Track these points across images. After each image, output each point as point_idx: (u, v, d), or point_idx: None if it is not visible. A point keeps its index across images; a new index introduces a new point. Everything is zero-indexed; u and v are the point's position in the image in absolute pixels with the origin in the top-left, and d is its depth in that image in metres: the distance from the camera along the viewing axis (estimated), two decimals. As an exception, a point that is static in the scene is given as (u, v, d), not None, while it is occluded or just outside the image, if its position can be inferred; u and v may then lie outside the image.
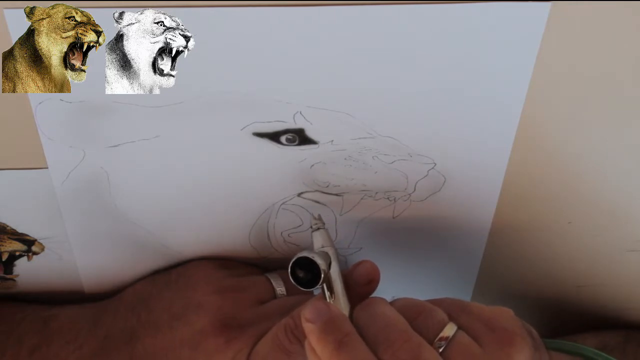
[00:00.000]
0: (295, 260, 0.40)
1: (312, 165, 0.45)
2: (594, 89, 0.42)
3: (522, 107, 0.43)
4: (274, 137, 0.44)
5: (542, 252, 0.52)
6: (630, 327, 0.57)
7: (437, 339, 0.39)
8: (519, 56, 0.40)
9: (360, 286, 0.42)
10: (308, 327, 0.39)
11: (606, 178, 0.47)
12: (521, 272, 0.54)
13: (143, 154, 0.44)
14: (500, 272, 0.54)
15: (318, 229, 0.43)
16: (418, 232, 0.50)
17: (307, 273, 0.40)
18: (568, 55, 0.41)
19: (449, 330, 0.39)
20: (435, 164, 0.46)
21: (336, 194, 0.47)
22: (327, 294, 0.41)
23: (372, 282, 0.42)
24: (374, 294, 0.43)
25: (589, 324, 0.58)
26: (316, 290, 0.42)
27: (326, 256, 0.41)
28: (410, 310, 0.40)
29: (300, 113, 0.42)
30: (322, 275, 0.40)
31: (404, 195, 0.47)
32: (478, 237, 0.51)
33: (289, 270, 0.40)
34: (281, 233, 0.49)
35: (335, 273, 0.42)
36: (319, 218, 0.44)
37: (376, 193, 0.47)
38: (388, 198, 0.47)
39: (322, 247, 0.43)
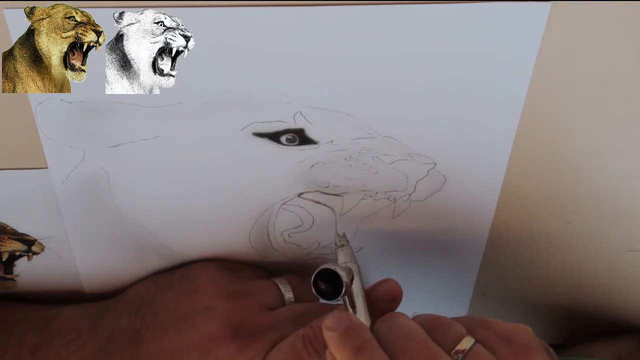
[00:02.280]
0: (318, 272, 0.41)
1: (312, 165, 0.45)
2: (594, 89, 0.42)
3: (522, 107, 0.43)
4: (274, 137, 0.44)
5: (542, 251, 0.52)
6: (634, 327, 0.57)
7: (454, 351, 0.39)
8: (519, 56, 0.40)
9: (382, 303, 0.43)
10: (328, 335, 0.39)
11: (606, 178, 0.47)
12: (521, 271, 0.54)
13: (143, 154, 0.44)
14: (500, 272, 0.54)
15: (342, 246, 0.44)
16: (418, 232, 0.50)
17: (329, 285, 0.41)
18: (568, 55, 0.41)
19: (466, 343, 0.40)
20: (435, 164, 0.46)
21: (336, 194, 0.47)
22: (349, 309, 0.42)
23: (395, 300, 0.43)
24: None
25: (590, 324, 0.58)
26: (337, 303, 0.42)
27: (349, 271, 0.42)
28: (429, 323, 0.41)
29: (300, 113, 0.42)
30: (344, 288, 0.40)
31: (404, 195, 0.47)
32: (478, 237, 0.51)
33: (312, 281, 0.41)
34: (281, 233, 0.49)
35: (357, 288, 0.42)
36: (343, 236, 0.45)
37: (376, 193, 0.47)
38: (388, 198, 0.47)
39: (345, 263, 0.43)
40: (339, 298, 0.41)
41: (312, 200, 0.48)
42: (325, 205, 0.48)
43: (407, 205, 0.48)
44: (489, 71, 0.41)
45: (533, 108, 0.43)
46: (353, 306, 0.42)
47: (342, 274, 0.40)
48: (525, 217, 0.49)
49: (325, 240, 0.50)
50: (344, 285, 0.40)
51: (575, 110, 0.43)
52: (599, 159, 0.46)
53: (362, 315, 0.42)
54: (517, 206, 0.48)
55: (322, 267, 0.41)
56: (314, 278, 0.41)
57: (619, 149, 0.45)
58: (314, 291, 0.41)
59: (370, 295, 0.43)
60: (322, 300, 0.42)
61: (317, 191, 0.47)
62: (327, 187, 0.47)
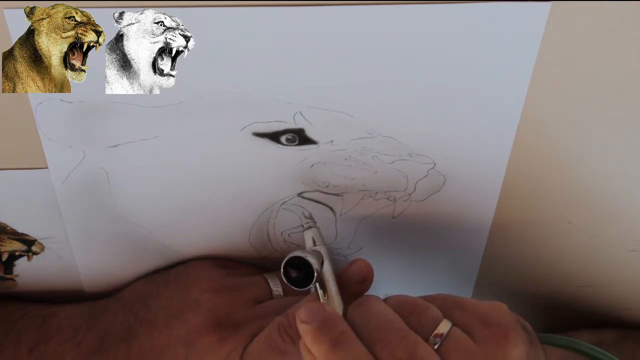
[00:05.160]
0: (288, 260, 0.40)
1: (312, 165, 0.45)
2: (594, 89, 0.42)
3: (522, 107, 0.43)
4: (274, 137, 0.44)
5: (542, 252, 0.52)
6: (630, 326, 0.57)
7: (432, 336, 0.39)
8: (519, 56, 0.40)
9: (353, 285, 0.42)
10: (303, 328, 0.39)
11: (606, 178, 0.47)
12: (521, 272, 0.54)
13: (143, 154, 0.44)
14: (500, 272, 0.54)
15: (309, 227, 0.43)
16: (418, 232, 0.50)
17: (299, 272, 0.40)
18: (568, 55, 0.41)
19: (444, 327, 0.39)
20: (435, 164, 0.46)
21: (336, 194, 0.47)
22: (320, 293, 0.41)
23: (366, 281, 0.42)
24: (368, 292, 0.43)
25: (589, 324, 0.58)
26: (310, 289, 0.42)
27: (318, 255, 0.41)
28: (404, 308, 0.40)
29: (300, 113, 0.42)
30: (315, 275, 0.40)
31: (404, 195, 0.47)
32: (478, 237, 0.51)
33: (282, 270, 0.40)
34: (281, 233, 0.49)
35: (328, 272, 0.41)
36: (310, 217, 0.44)
37: (376, 193, 0.47)
38: (388, 198, 0.47)
39: (314, 245, 0.42)
40: (310, 286, 0.40)
41: (312, 200, 0.48)
42: (325, 205, 0.48)
43: (407, 205, 0.48)
44: (489, 71, 0.41)
45: (533, 108, 0.43)
46: (325, 290, 0.41)
47: (313, 261, 0.40)
48: (525, 217, 0.49)
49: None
50: (315, 272, 0.40)
51: (575, 110, 0.43)
52: (599, 159, 0.46)
53: (334, 300, 0.41)
54: (517, 206, 0.49)
55: (290, 254, 0.40)
56: (284, 267, 0.40)
57: (619, 149, 0.45)
58: (284, 280, 0.40)
59: (341, 278, 0.42)
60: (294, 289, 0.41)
61: (317, 191, 0.47)
62: (327, 186, 0.47)
